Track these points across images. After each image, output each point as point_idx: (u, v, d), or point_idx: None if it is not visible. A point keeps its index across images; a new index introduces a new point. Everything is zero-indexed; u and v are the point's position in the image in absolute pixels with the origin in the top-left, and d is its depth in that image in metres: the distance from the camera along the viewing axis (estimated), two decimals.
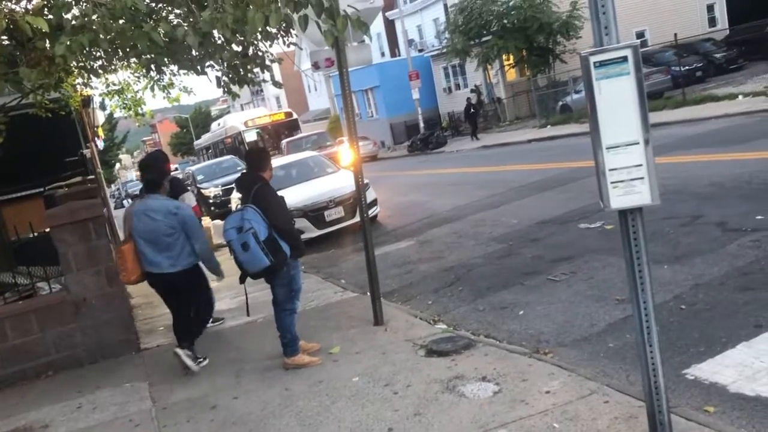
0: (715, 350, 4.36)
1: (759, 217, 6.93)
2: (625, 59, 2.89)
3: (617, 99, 2.92)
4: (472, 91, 34.50)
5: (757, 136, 12.02)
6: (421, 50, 41.52)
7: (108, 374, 6.23)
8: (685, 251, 6.49)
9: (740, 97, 18.30)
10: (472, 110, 29.83)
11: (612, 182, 3.01)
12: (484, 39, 30.46)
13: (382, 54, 46.46)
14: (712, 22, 36.06)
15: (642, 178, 2.97)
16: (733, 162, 10.19)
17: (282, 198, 5.34)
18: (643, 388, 3.29)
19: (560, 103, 27.11)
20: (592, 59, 2.92)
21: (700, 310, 5.09)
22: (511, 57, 31.96)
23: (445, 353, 5.18)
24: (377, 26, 45.43)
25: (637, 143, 2.95)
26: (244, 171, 5.59)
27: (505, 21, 29.58)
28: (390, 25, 45.01)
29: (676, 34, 23.77)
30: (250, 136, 29.32)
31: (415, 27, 43.66)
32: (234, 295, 8.56)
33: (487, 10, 29.87)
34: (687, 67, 25.15)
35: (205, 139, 41.12)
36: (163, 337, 7.24)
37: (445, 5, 37.92)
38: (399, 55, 42.84)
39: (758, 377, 3.90)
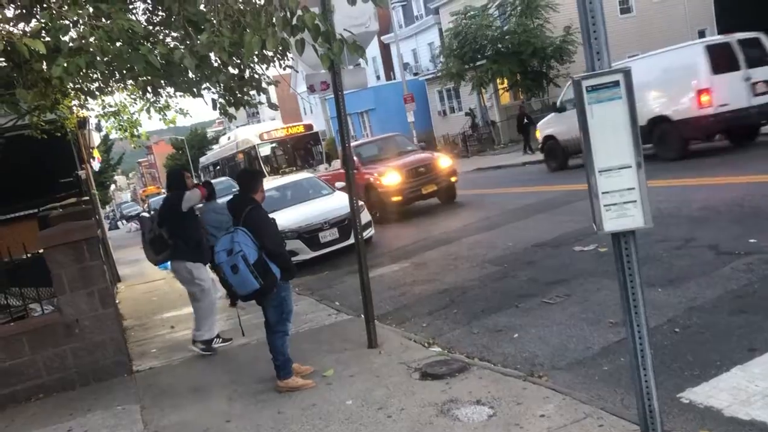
0: (710, 373, 4.35)
1: (752, 240, 6.96)
2: (617, 83, 2.93)
3: (609, 123, 2.96)
4: (466, 114, 34.75)
5: (747, 160, 12.11)
6: (416, 74, 41.86)
7: (100, 397, 6.17)
8: (679, 274, 6.50)
9: None
10: (525, 121, 26.57)
11: (605, 205, 3.03)
12: (479, 63, 30.73)
13: (378, 77, 46.79)
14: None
15: (635, 201, 3.00)
16: (725, 186, 10.27)
17: (273, 220, 5.36)
18: (638, 412, 3.28)
19: None
20: (585, 83, 2.96)
21: (694, 333, 5.09)
22: (506, 81, 32.22)
23: (439, 376, 5.15)
24: (373, 50, 45.82)
25: (630, 166, 2.98)
26: (236, 193, 5.60)
27: (500, 45, 29.87)
28: (385, 48, 45.40)
29: None
30: (265, 151, 26.77)
31: (411, 51, 44.05)
32: (227, 318, 8.53)
33: (482, 35, 30.17)
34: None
35: (212, 155, 37.80)
36: (156, 360, 7.19)
37: (440, 29, 38.30)
38: (394, 79, 43.17)
39: (753, 401, 3.89)
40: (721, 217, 8.37)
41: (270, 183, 15.29)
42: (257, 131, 27.83)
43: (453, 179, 15.50)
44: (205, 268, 6.91)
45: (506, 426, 4.12)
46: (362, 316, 6.65)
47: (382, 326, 6.80)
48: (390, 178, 14.82)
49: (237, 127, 65.91)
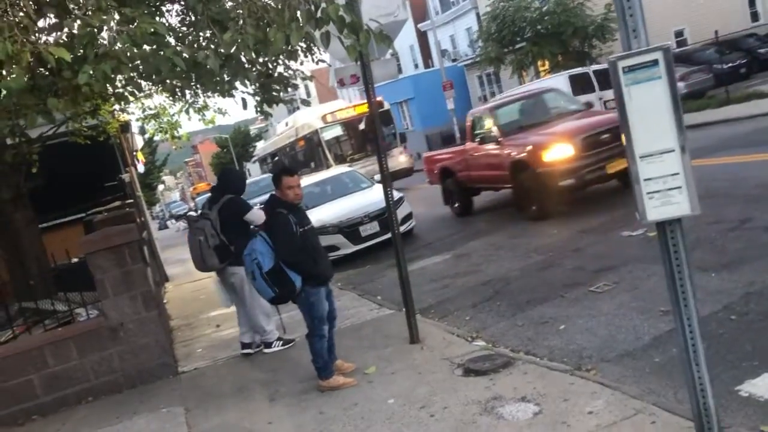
0: None
1: None
2: (655, 63, 2.73)
3: (649, 105, 2.77)
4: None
5: None
6: (454, 60, 41.38)
7: (146, 399, 6.23)
8: (734, 258, 6.19)
9: None
10: None
11: (648, 193, 2.84)
12: (518, 46, 30.16)
13: (416, 66, 46.46)
14: (755, 17, 35.03)
15: (679, 187, 2.80)
16: None
17: (289, 227, 5.05)
18: (692, 409, 3.09)
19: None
20: (620, 64, 2.77)
21: (752, 320, 4.81)
22: (547, 63, 31.55)
23: (482, 372, 5.01)
24: (410, 38, 45.49)
25: (673, 151, 2.78)
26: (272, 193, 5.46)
27: (539, 27, 29.21)
28: (423, 36, 45.01)
29: (717, 31, 23.12)
30: (330, 135, 23.04)
31: (448, 37, 43.55)
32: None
33: (520, 17, 29.56)
34: (730, 65, 24.43)
35: (268, 145, 34.04)
36: (201, 360, 7.23)
37: (478, 14, 37.73)
38: (432, 66, 42.79)
39: None
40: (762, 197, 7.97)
41: (309, 179, 15.30)
42: (319, 113, 23.62)
43: None
44: None
45: (552, 425, 3.96)
46: (404, 310, 6.55)
47: (424, 320, 6.69)
48: (556, 151, 9.98)
49: (283, 122, 66.34)
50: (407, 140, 24.80)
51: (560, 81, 19.19)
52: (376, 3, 5.40)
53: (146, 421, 5.67)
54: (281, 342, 6.92)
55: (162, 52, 4.14)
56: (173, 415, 5.67)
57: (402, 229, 9.81)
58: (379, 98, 23.43)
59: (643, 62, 2.74)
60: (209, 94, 6.92)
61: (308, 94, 41.69)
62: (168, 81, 5.20)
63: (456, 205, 13.44)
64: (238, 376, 6.41)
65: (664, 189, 2.82)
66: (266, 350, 6.90)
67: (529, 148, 10.39)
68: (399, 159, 22.72)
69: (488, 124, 11.81)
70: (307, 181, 14.79)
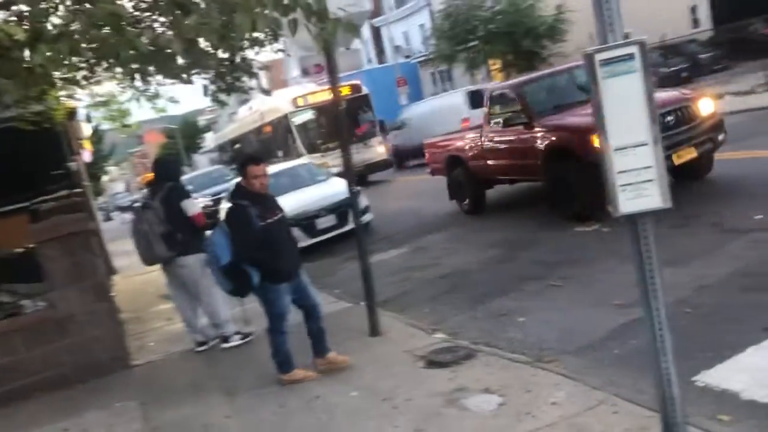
0: (724, 355, 4.23)
1: (757, 216, 6.82)
2: (631, 56, 2.77)
3: (624, 98, 2.80)
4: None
5: (747, 135, 11.95)
6: (408, 56, 41.49)
7: (97, 394, 6.04)
8: (685, 253, 6.37)
9: (727, 96, 18.30)
10: None
11: (621, 185, 2.88)
12: (471, 44, 30.44)
13: (369, 61, 46.41)
14: (696, 23, 36.22)
15: (652, 180, 2.85)
16: (725, 161, 10.12)
17: (247, 221, 4.85)
18: (658, 399, 3.16)
19: None
20: (598, 57, 2.80)
21: (706, 313, 4.96)
22: (498, 61, 31.95)
23: (445, 364, 5.03)
24: (364, 33, 45.36)
25: (646, 144, 2.83)
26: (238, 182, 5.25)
27: (491, 26, 29.55)
28: (376, 32, 45.00)
29: (665, 34, 23.82)
30: (301, 121, 20.82)
31: (402, 33, 43.63)
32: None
33: (473, 16, 29.86)
34: (673, 68, 25.31)
35: (228, 131, 31.04)
36: (154, 353, 7.06)
37: (431, 11, 37.91)
38: (386, 62, 42.79)
39: None
40: (724, 192, 8.25)
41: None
42: (290, 96, 21.30)
43: (720, 137, 8.67)
44: None
45: (517, 415, 4.00)
46: (363, 303, 6.52)
47: (384, 313, 6.64)
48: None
49: (228, 115, 65.33)
50: (387, 129, 23.24)
51: (458, 96, 21.62)
52: None
53: (99, 415, 5.49)
54: (239, 336, 6.71)
55: (125, 35, 3.98)
56: (127, 410, 5.51)
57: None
58: (356, 82, 22.02)
59: (619, 55, 2.77)
60: (164, 80, 6.73)
61: (260, 84, 41.03)
62: (127, 65, 5.03)
63: (466, 200, 11.40)
64: (194, 370, 6.28)
65: (637, 182, 2.86)
66: (223, 345, 6.68)
67: (574, 131, 8.38)
68: (377, 149, 21.27)
69: (514, 103, 9.80)
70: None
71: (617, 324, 5.18)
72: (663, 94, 9.07)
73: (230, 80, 6.61)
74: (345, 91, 19.90)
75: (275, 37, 5.52)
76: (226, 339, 6.70)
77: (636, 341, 4.74)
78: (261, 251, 4.88)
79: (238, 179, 5.23)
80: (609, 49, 2.79)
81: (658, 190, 2.85)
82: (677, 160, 8.07)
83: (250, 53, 6.45)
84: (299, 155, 19.16)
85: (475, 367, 4.88)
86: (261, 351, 6.00)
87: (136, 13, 5.48)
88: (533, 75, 11.89)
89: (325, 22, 4.35)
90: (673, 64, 25.71)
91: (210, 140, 34.32)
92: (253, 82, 6.57)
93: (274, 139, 22.48)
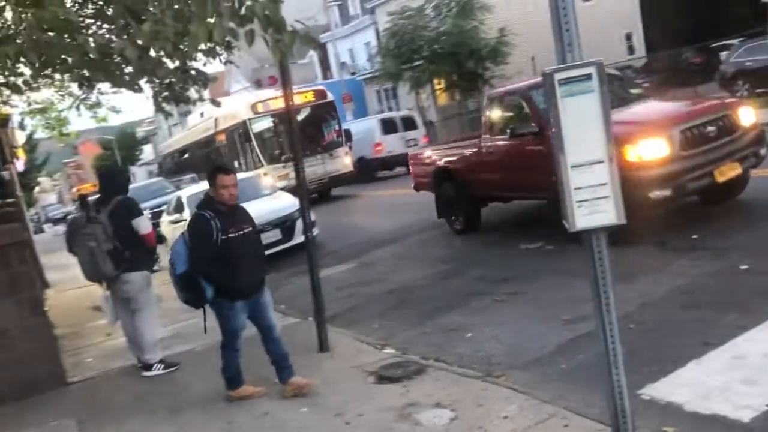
0: (668, 369, 4.36)
1: (694, 236, 7.09)
2: (589, 77, 2.86)
3: (582, 117, 2.89)
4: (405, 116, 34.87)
5: None
6: (353, 73, 41.71)
7: (32, 412, 5.77)
8: (628, 271, 6.55)
9: None
10: None
11: (577, 201, 2.95)
12: (416, 63, 30.84)
13: (315, 77, 46.41)
14: (631, 50, 37.73)
15: (607, 197, 2.93)
16: None
17: (205, 234, 4.69)
18: (609, 412, 3.23)
19: None
20: (557, 76, 2.88)
21: (649, 329, 5.11)
22: (442, 81, 32.47)
23: (396, 379, 5.02)
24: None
25: (602, 161, 2.91)
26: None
27: (436, 46, 30.02)
28: (322, 48, 45.06)
29: (603, 60, 24.60)
30: (262, 127, 19.17)
31: (347, 50, 43.84)
32: (165, 324, 8.15)
33: (419, 35, 30.27)
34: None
35: (176, 140, 28.99)
36: (92, 370, 6.81)
37: (377, 29, 38.26)
38: (332, 78, 42.90)
39: (712, 395, 3.92)
40: (663, 213, 8.54)
41: (201, 186, 14.76)
42: (248, 101, 19.20)
43: (763, 151, 7.61)
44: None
45: (469, 429, 4.02)
46: (310, 319, 6.47)
47: (332, 329, 6.59)
48: (645, 148, 6.90)
49: (169, 128, 64.02)
50: (352, 139, 22.39)
51: (373, 122, 24.76)
52: (298, 6, 5.35)
53: None
54: (162, 365, 6.32)
55: (75, 40, 3.87)
56: (63, 428, 5.29)
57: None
58: (321, 88, 21.34)
59: (577, 75, 2.86)
60: (107, 89, 6.56)
61: (201, 97, 40.43)
62: (75, 71, 4.87)
63: (457, 219, 10.17)
64: (135, 387, 6.07)
65: (593, 198, 2.94)
66: (145, 373, 6.29)
67: None
68: (344, 161, 19.90)
69: (519, 110, 8.83)
70: (202, 186, 14.34)
71: (564, 339, 5.28)
72: (703, 102, 8.47)
73: (179, 90, 6.48)
74: (308, 98, 19.35)
75: (229, 47, 5.46)
76: (149, 367, 6.32)
77: (583, 356, 4.86)
78: (216, 266, 4.72)
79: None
80: (568, 69, 2.87)
81: (613, 207, 2.93)
82: (720, 177, 7.02)
83: (198, 64, 6.36)
84: (258, 166, 18.27)
85: (426, 382, 4.89)
86: (206, 366, 5.87)
87: (85, 19, 5.32)
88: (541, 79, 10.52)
89: (282, 34, 4.33)
90: (610, 90, 26.56)
91: (149, 153, 32.64)
92: (202, 93, 6.46)
93: (230, 149, 20.79)
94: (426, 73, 30.63)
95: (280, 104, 17.11)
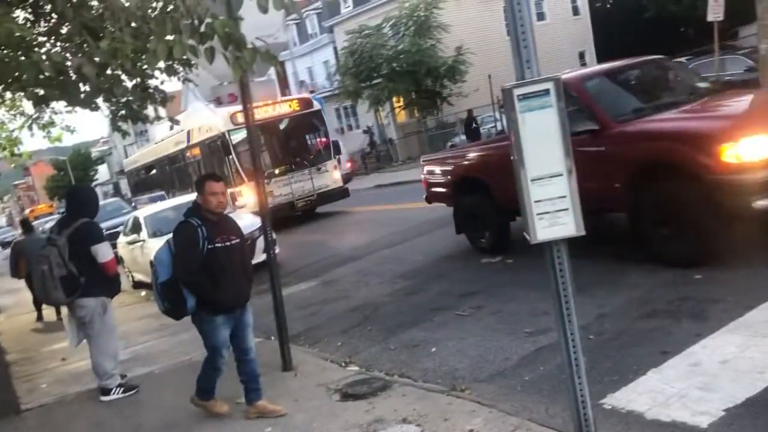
0: (628, 378, 4.43)
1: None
2: (547, 92, 2.93)
3: (541, 131, 2.95)
4: (364, 132, 35.08)
5: None
6: (312, 91, 41.75)
7: None
8: (586, 282, 6.67)
9: None
10: (474, 125, 26.07)
11: (537, 214, 3.01)
12: (375, 81, 31.09)
13: (275, 94, 46.29)
14: (584, 67, 38.72)
15: (566, 209, 3.00)
16: None
17: (190, 241, 4.59)
18: (573, 421, 3.27)
19: (449, 143, 28.03)
20: (516, 92, 2.94)
21: (608, 339, 5.21)
22: (401, 99, 32.78)
23: (361, 396, 5.00)
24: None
25: (561, 174, 2.98)
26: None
27: (395, 64, 30.36)
28: (281, 66, 45.07)
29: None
30: (243, 139, 16.39)
31: (306, 69, 43.95)
32: (124, 346, 7.98)
33: (377, 54, 30.57)
34: (567, 109, 26.83)
35: (143, 155, 26.72)
36: (47, 396, 6.60)
37: (335, 48, 38.50)
38: (290, 96, 42.85)
39: (671, 403, 4.00)
40: (619, 224, 8.74)
41: (164, 203, 14.53)
42: (226, 111, 16.44)
43: None
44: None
45: None
46: (273, 338, 6.41)
47: (296, 348, 6.55)
48: (748, 146, 5.74)
49: (124, 147, 63.07)
50: (342, 152, 21.11)
51: None
52: (257, 23, 5.32)
53: None
54: (122, 389, 6.14)
55: (31, 57, 3.80)
56: None
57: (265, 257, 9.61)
58: (306, 96, 19.98)
59: (535, 91, 2.93)
60: (69, 108, 6.43)
61: (158, 116, 39.95)
62: (30, 89, 4.76)
63: (483, 235, 8.81)
64: (94, 412, 5.92)
65: (553, 210, 3.00)
66: (103, 398, 6.10)
67: (689, 139, 6.07)
68: (333, 175, 18.20)
69: (569, 105, 6.67)
70: (163, 205, 14.12)
71: (527, 351, 5.34)
72: None
73: (136, 108, 6.40)
74: (293, 107, 17.87)
75: (188, 66, 5.42)
76: (107, 391, 6.13)
77: (545, 367, 4.92)
78: (200, 276, 4.60)
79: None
80: (526, 84, 2.94)
81: (573, 219, 3.00)
82: None
83: (156, 82, 6.30)
84: (239, 182, 16.68)
85: (392, 397, 4.88)
86: (167, 389, 5.77)
87: (39, 36, 5.23)
88: (597, 68, 8.82)
89: (242, 51, 4.33)
90: (568, 106, 27.24)
91: (128, 161, 29.98)
92: (160, 112, 6.39)
93: (205, 164, 18.80)
94: (385, 91, 30.92)
95: (262, 114, 16.39)
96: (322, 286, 9.54)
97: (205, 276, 4.62)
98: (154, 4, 4.63)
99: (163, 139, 22.08)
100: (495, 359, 5.38)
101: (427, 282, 8.29)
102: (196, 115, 18.92)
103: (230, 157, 16.84)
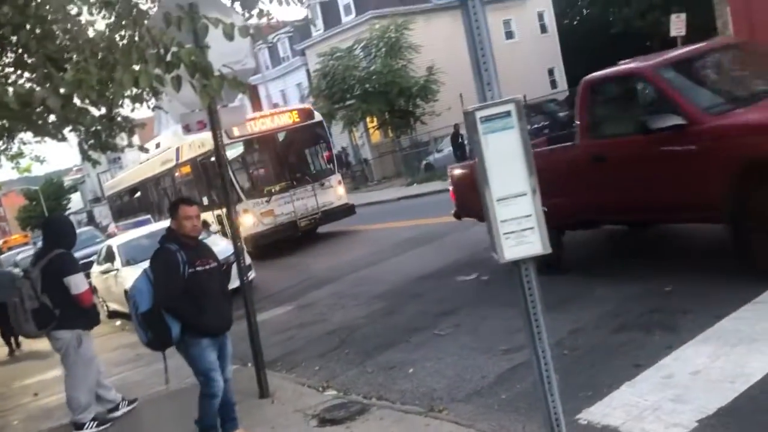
0: (602, 393, 4.47)
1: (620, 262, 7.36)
2: (509, 113, 2.97)
3: (504, 152, 2.99)
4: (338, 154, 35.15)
5: None
6: None
7: None
8: (558, 298, 6.72)
9: None
10: (460, 140, 25.45)
11: (504, 233, 3.04)
12: (348, 102, 31.22)
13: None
14: (554, 84, 39.34)
15: (532, 228, 3.03)
16: None
17: (171, 266, 4.56)
18: None
19: (424, 162, 28.22)
20: (478, 114, 2.98)
21: (582, 354, 5.25)
22: (375, 119, 32.94)
23: (339, 421, 4.98)
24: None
25: (525, 194, 3.02)
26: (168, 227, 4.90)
27: (367, 85, 30.54)
28: (253, 89, 45.08)
29: (525, 96, 25.59)
30: (240, 154, 16.15)
31: (279, 91, 44.02)
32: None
33: (350, 75, 30.73)
34: (536, 126, 27.33)
35: (127, 176, 24.67)
36: None
37: (308, 70, 38.63)
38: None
39: (645, 416, 4.04)
40: (588, 240, 8.84)
41: (137, 232, 14.33)
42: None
43: None
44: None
45: None
46: (249, 365, 6.35)
47: (272, 374, 6.51)
48: None
49: (98, 175, 62.45)
50: (349, 165, 20.47)
51: None
52: (224, 51, 5.34)
53: None
54: (95, 423, 6.02)
55: None
56: None
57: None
58: (307, 107, 18.49)
59: (497, 113, 2.97)
60: (37, 138, 6.37)
61: (129, 144, 39.63)
62: None
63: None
64: None
65: (519, 230, 3.03)
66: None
67: None
68: (337, 191, 16.86)
69: (645, 97, 6.72)
70: (135, 233, 13.96)
71: (503, 369, 5.36)
72: None
73: (105, 138, 6.36)
74: (294, 118, 16.53)
75: (155, 93, 5.41)
76: (80, 426, 6.00)
77: (521, 385, 4.94)
78: (183, 301, 4.55)
79: (168, 223, 4.89)
80: (488, 107, 2.98)
81: (539, 237, 3.03)
82: None
83: (125, 110, 6.28)
84: (237, 201, 14.31)
85: (370, 421, 4.86)
86: (143, 421, 5.68)
87: (3, 68, 5.19)
88: (673, 53, 7.12)
89: (209, 79, 4.34)
90: (536, 122, 27.72)
91: (110, 184, 27.52)
92: (131, 140, 6.35)
93: (197, 183, 17.42)
94: (358, 111, 31.06)
95: (260, 126, 15.66)
96: (299, 310, 9.50)
97: (188, 300, 4.58)
98: (120, 34, 4.62)
99: (148, 158, 20.04)
100: (472, 378, 5.39)
101: (404, 302, 8.29)
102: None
103: (227, 174, 14.77)
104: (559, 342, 5.59)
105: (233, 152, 15.17)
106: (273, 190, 15.70)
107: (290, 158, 16.86)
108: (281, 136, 16.49)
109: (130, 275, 11.80)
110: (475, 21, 2.96)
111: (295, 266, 13.52)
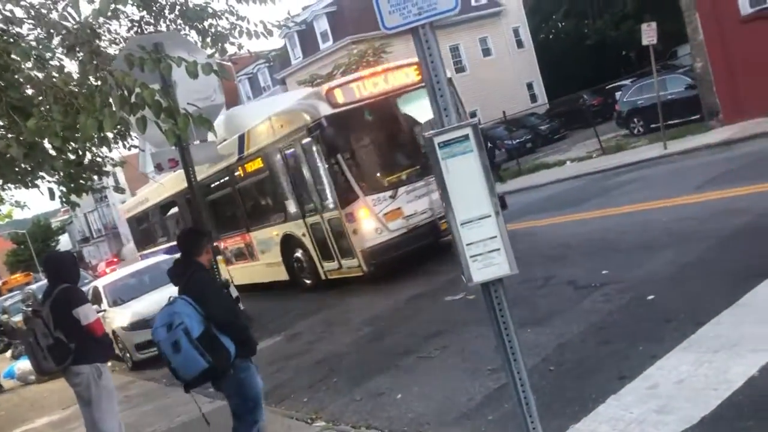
0: (588, 407, 4.45)
1: (604, 271, 7.37)
2: (467, 137, 2.99)
3: (465, 176, 3.00)
4: None
5: (588, 197, 13.06)
6: None
7: None
8: (545, 312, 6.73)
9: (568, 162, 19.97)
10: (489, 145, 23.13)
11: (471, 256, 3.04)
12: None
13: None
14: (534, 98, 39.64)
15: (498, 249, 3.03)
16: (573, 222, 10.94)
17: (221, 284, 4.71)
18: None
19: None
20: (436, 140, 3.00)
21: (568, 369, 5.23)
22: None
23: None
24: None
25: (489, 216, 3.02)
26: (177, 258, 4.80)
27: None
28: None
29: (504, 112, 25.83)
30: (348, 129, 10.68)
31: None
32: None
33: None
34: (518, 140, 27.50)
35: (151, 193, 17.51)
36: None
37: None
38: None
39: (630, 429, 4.02)
40: (573, 252, 8.87)
41: (124, 270, 14.22)
42: (313, 90, 12.25)
43: None
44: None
45: None
46: None
47: None
48: None
49: (85, 215, 61.98)
50: None
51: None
52: (192, 88, 5.36)
53: None
54: None
55: None
56: None
57: None
58: (413, 60, 9.72)
59: (455, 137, 2.98)
60: (9, 185, 6.34)
61: (117, 181, 39.63)
62: None
63: None
64: None
65: (485, 252, 3.04)
66: None
67: None
68: None
69: None
70: (121, 273, 13.87)
71: (490, 390, 5.33)
72: None
73: (81, 181, 6.34)
74: (410, 76, 11.05)
75: (122, 135, 5.41)
76: None
77: (508, 405, 4.89)
78: (239, 317, 4.69)
79: (179, 255, 4.72)
80: (446, 132, 3.00)
81: (505, 258, 3.03)
82: None
83: (103, 151, 6.26)
84: (349, 199, 10.42)
85: None
86: None
87: None
88: None
89: (175, 118, 4.34)
90: (518, 137, 27.90)
91: (131, 203, 20.51)
92: (107, 181, 6.33)
93: (275, 182, 12.33)
94: None
95: (372, 89, 10.68)
96: (287, 340, 9.43)
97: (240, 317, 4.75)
98: (84, 79, 4.62)
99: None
100: (460, 400, 5.35)
101: (392, 326, 8.24)
102: (257, 109, 12.44)
103: (332, 160, 10.37)
104: (546, 358, 5.59)
105: (340, 128, 10.42)
106: (396, 181, 10.74)
107: (398, 138, 11.53)
108: (400, 102, 11.07)
109: (118, 315, 11.72)
110: (427, 48, 2.98)
111: (280, 294, 13.37)
